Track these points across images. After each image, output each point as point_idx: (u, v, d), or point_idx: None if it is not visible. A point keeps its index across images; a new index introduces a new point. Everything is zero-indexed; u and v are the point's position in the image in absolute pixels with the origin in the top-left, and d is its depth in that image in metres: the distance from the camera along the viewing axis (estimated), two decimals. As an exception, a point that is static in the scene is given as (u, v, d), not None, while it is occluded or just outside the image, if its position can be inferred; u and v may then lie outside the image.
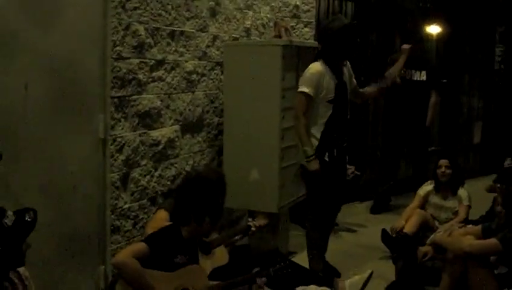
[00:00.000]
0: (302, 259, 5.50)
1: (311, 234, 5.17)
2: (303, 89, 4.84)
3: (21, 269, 3.06)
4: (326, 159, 4.92)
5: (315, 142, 4.91)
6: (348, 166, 5.62)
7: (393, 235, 5.58)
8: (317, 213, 5.07)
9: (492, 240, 4.36)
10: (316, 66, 4.90)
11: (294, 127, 5.00)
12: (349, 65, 5.17)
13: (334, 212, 5.36)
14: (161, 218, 4.35)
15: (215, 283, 3.98)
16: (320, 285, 4.85)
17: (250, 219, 5.07)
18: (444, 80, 8.00)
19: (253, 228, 4.84)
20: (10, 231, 2.85)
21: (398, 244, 5.42)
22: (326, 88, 4.86)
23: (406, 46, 7.24)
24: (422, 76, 7.49)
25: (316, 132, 4.91)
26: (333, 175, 5.00)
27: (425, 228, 5.61)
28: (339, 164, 5.09)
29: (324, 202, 5.03)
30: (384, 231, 5.66)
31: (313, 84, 4.82)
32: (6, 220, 2.86)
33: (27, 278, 3.09)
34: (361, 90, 5.34)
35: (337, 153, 4.99)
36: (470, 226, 5.28)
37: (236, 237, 4.85)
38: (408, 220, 5.62)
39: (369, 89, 5.49)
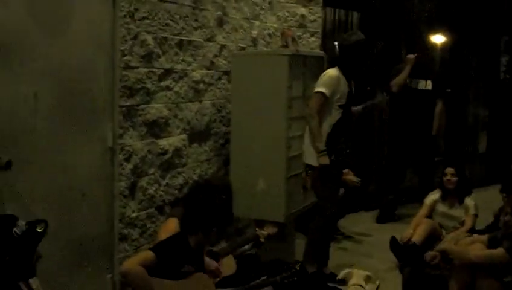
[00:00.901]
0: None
1: (314, 236, 5.41)
2: (320, 89, 5.15)
3: (31, 280, 3.07)
4: (333, 158, 5.19)
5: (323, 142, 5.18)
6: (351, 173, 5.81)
7: (402, 244, 5.58)
8: (325, 215, 5.31)
9: (500, 250, 4.37)
10: (333, 71, 5.23)
11: (308, 124, 5.24)
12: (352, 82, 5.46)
13: (336, 214, 5.56)
14: (172, 227, 4.34)
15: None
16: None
17: (257, 229, 5.08)
18: (449, 90, 8.01)
19: (261, 239, 4.84)
20: (19, 240, 2.85)
21: (406, 253, 5.43)
22: (341, 93, 5.19)
23: (411, 56, 7.27)
24: (427, 85, 7.50)
25: (324, 133, 5.18)
26: (338, 175, 5.36)
27: (433, 237, 5.61)
28: (341, 168, 5.44)
29: (334, 202, 5.31)
30: (393, 238, 5.66)
31: (330, 87, 5.14)
32: (16, 229, 2.86)
33: (37, 288, 3.10)
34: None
35: (341, 158, 5.28)
36: (476, 235, 5.28)
37: (245, 247, 4.85)
38: (416, 229, 5.62)
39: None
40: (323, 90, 5.12)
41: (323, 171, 5.16)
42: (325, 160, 5.12)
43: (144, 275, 3.61)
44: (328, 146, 5.16)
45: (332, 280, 5.26)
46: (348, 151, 5.39)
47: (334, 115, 5.19)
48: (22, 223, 2.90)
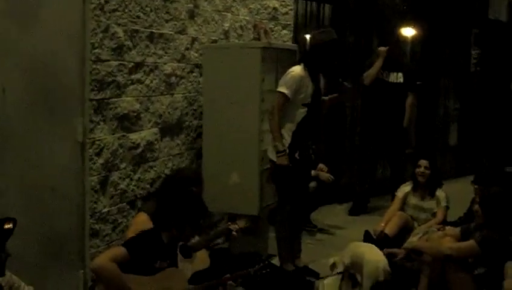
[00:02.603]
0: (281, 261, 5.53)
1: (280, 234, 5.41)
2: (282, 89, 5.10)
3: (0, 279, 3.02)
4: (297, 157, 5.18)
5: (288, 140, 5.18)
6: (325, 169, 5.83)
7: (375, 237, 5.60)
8: (285, 210, 5.33)
9: (471, 242, 4.39)
10: (297, 70, 5.17)
11: (269, 122, 5.23)
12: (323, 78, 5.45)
13: (300, 211, 5.55)
14: (142, 221, 4.31)
15: (191, 286, 3.96)
16: (299, 287, 4.88)
17: (229, 223, 5.05)
18: (420, 82, 8.05)
19: (234, 232, 4.82)
20: None
21: (379, 246, 5.43)
22: (304, 92, 5.15)
23: (382, 49, 7.28)
24: (399, 78, 7.53)
25: (289, 131, 5.16)
26: (302, 173, 5.32)
27: (405, 229, 5.64)
28: (306, 165, 5.39)
29: (292, 198, 5.29)
30: (367, 232, 5.67)
31: (292, 87, 5.08)
32: None
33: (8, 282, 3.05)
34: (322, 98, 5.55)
35: (306, 154, 5.26)
36: (449, 227, 5.32)
37: (217, 241, 4.83)
38: (388, 223, 5.64)
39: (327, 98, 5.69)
40: (284, 90, 5.08)
41: (280, 169, 5.17)
42: (283, 160, 5.12)
43: (116, 271, 3.58)
44: (293, 144, 5.17)
45: (307, 273, 5.27)
46: (313, 148, 5.37)
47: (299, 114, 5.16)
48: None
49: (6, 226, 2.88)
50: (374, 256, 4.75)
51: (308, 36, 5.81)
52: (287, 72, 5.18)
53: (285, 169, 5.13)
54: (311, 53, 5.24)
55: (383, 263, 4.69)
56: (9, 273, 3.09)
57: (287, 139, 5.17)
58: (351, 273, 4.76)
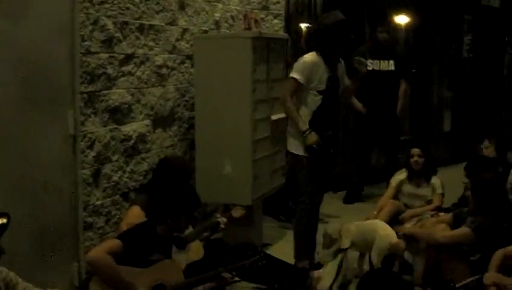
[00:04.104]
0: (275, 251, 5.55)
1: (298, 230, 5.27)
2: (294, 75, 4.98)
3: None
4: (315, 146, 4.97)
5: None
6: None
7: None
8: (304, 205, 5.18)
9: (466, 230, 4.41)
10: (310, 56, 5.05)
11: (284, 110, 5.16)
12: (343, 64, 5.28)
13: (319, 201, 5.39)
14: (135, 215, 4.31)
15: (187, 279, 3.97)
16: (295, 276, 4.88)
17: (218, 215, 5.04)
18: (413, 70, 8.04)
19: (222, 225, 4.81)
20: None
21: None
22: (318, 79, 5.00)
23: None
24: (390, 66, 7.52)
25: (305, 120, 5.00)
26: (320, 164, 5.11)
27: (397, 218, 5.65)
28: (325, 154, 5.14)
29: (312, 190, 5.14)
30: None
31: (304, 73, 4.96)
32: None
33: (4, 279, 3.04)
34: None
35: (324, 145, 5.04)
36: (442, 214, 5.34)
37: (205, 234, 4.80)
38: (380, 211, 5.65)
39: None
40: (295, 76, 4.96)
41: (297, 159, 5.08)
42: (313, 137, 4.92)
43: (111, 263, 3.60)
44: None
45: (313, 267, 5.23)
46: (332, 139, 5.20)
47: (314, 102, 5.01)
48: None
49: (0, 222, 2.87)
50: (386, 231, 4.84)
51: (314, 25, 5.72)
52: (299, 59, 5.08)
53: (313, 148, 4.95)
54: (320, 38, 5.07)
55: (395, 237, 4.78)
56: (5, 269, 3.08)
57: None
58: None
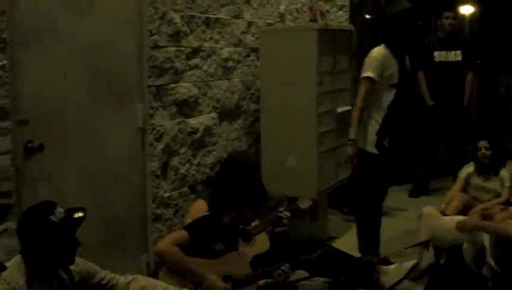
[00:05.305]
0: (341, 244, 5.50)
1: (362, 226, 5.26)
2: (367, 73, 4.86)
3: (72, 267, 3.07)
4: (386, 144, 4.95)
5: (376, 126, 4.97)
6: None
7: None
8: (369, 200, 5.17)
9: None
10: (379, 49, 4.94)
11: (352, 113, 5.12)
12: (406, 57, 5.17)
13: (384, 194, 5.35)
14: (199, 208, 4.34)
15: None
16: (361, 270, 4.84)
17: (281, 209, 5.03)
18: (479, 61, 7.86)
19: (284, 220, 4.79)
20: (56, 228, 2.84)
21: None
22: (389, 72, 4.89)
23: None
24: (457, 56, 7.38)
25: (379, 116, 4.95)
26: (389, 161, 5.06)
27: (467, 211, 5.54)
28: (395, 152, 5.12)
29: (376, 188, 5.13)
30: None
31: (377, 68, 4.85)
32: (52, 217, 2.83)
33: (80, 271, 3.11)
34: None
35: (396, 140, 5.03)
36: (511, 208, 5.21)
37: (269, 227, 4.79)
38: (449, 204, 5.56)
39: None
40: (369, 74, 4.84)
41: (363, 153, 5.02)
42: (352, 149, 4.94)
43: (179, 254, 3.64)
44: (382, 130, 4.96)
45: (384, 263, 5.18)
46: (403, 133, 5.17)
47: (388, 96, 4.91)
48: (60, 210, 2.86)
49: (76, 215, 2.92)
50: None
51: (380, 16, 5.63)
52: (368, 55, 4.96)
53: (365, 158, 4.97)
54: (388, 28, 4.96)
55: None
56: (82, 260, 3.14)
57: (375, 126, 4.97)
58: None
